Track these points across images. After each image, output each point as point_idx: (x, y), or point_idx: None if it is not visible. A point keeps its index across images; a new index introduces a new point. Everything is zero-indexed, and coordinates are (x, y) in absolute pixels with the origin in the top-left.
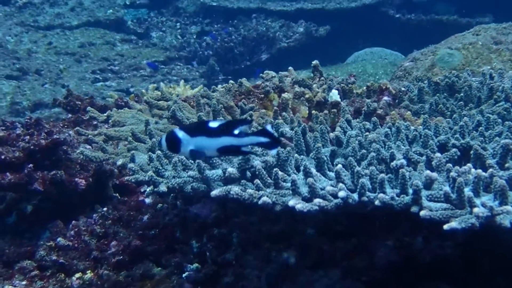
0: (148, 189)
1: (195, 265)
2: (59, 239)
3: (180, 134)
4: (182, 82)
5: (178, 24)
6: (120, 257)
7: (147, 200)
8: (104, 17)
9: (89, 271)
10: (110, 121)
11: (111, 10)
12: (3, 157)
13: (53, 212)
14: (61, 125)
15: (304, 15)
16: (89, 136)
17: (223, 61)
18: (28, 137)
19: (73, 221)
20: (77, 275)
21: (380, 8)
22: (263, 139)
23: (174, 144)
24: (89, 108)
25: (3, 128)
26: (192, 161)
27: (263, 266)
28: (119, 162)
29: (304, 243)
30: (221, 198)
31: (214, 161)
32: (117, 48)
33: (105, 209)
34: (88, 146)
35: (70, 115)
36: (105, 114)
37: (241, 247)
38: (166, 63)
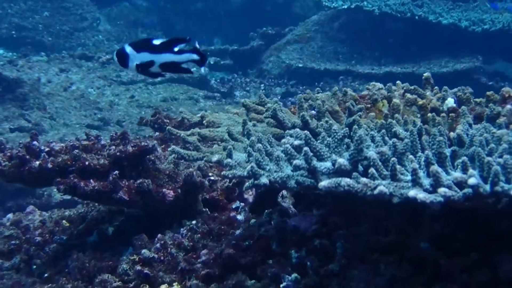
0: (247, 183)
1: (294, 275)
2: (144, 251)
3: (128, 49)
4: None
5: (263, 85)
6: (210, 269)
7: (239, 217)
8: (186, 75)
9: (176, 283)
10: (204, 121)
11: (194, 68)
12: (87, 163)
13: (138, 227)
14: (148, 141)
15: (393, 79)
16: (182, 135)
17: None
18: (114, 147)
19: (159, 235)
20: (163, 287)
21: (472, 75)
22: (195, 56)
23: (122, 58)
24: (181, 109)
25: (89, 139)
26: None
27: (370, 279)
28: (215, 158)
29: (417, 257)
30: (330, 190)
31: (322, 152)
32: (200, 104)
33: (194, 222)
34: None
35: (157, 133)
36: (198, 115)
37: (346, 258)
38: None
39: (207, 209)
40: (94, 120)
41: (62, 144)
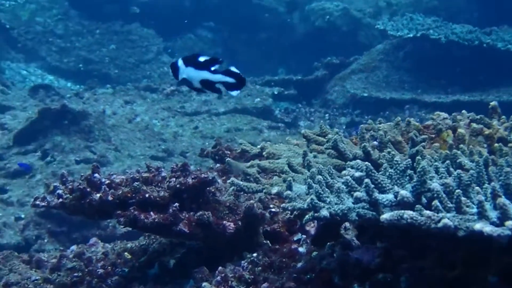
0: (307, 216)
1: None
2: (204, 284)
3: (180, 62)
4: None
5: (327, 115)
6: None
7: (301, 249)
8: (251, 105)
9: None
10: (264, 153)
11: (258, 99)
12: (147, 195)
13: (198, 260)
14: (209, 173)
15: (460, 107)
16: (241, 167)
17: None
18: (174, 179)
19: (220, 267)
20: None
21: None
22: (229, 79)
23: (174, 70)
24: (240, 140)
25: (148, 172)
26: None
27: None
28: (274, 190)
29: None
30: (393, 223)
31: (384, 184)
32: (264, 134)
33: (254, 254)
34: None
35: (218, 165)
36: (258, 147)
37: None
38: None
39: (268, 241)
40: (158, 151)
41: (122, 177)
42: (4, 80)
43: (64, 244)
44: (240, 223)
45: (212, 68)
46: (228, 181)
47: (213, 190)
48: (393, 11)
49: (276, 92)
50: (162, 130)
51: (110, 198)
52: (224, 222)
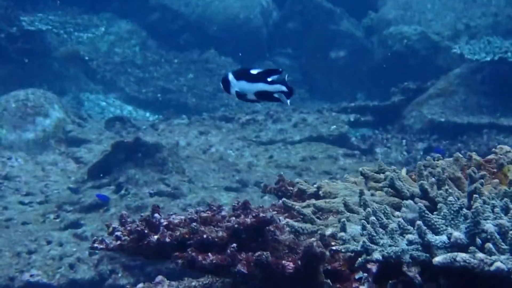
0: (359, 260)
1: None
2: None
3: (230, 77)
4: (404, 169)
5: (404, 140)
6: None
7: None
8: (327, 133)
9: None
10: (320, 192)
11: (334, 126)
12: (205, 236)
13: None
14: (270, 210)
15: None
16: (297, 207)
17: None
18: (233, 218)
19: None
20: None
21: None
22: (284, 88)
23: (225, 84)
24: (297, 179)
25: (209, 211)
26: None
27: None
28: (328, 232)
29: None
30: (446, 265)
31: (437, 225)
32: (340, 162)
33: None
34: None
35: (280, 201)
36: (315, 186)
37: None
38: None
39: (329, 280)
40: (232, 182)
41: (181, 217)
42: (81, 113)
43: (138, 278)
44: (299, 262)
45: (269, 79)
46: (283, 222)
47: (272, 229)
48: (472, 33)
49: (352, 119)
50: (236, 161)
51: (167, 239)
52: (283, 261)
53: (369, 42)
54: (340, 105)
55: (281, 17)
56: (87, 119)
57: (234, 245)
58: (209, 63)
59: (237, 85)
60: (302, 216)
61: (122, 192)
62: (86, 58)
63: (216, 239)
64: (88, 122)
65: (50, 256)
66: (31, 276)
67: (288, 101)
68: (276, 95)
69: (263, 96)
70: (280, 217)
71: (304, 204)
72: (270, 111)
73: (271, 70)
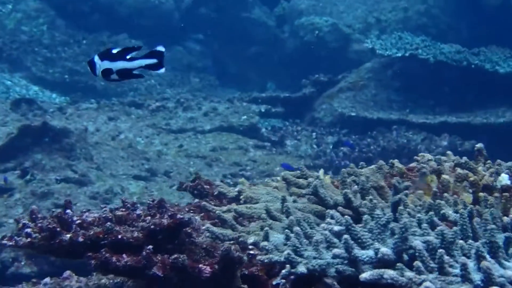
0: (283, 271)
1: None
2: None
3: (96, 58)
4: (321, 170)
5: (314, 133)
6: None
7: None
8: (238, 123)
9: None
10: (241, 197)
11: (245, 117)
12: (120, 236)
13: None
14: (187, 209)
15: (448, 128)
16: (217, 212)
17: None
18: (149, 217)
19: None
20: None
21: None
22: (149, 61)
23: (92, 66)
24: (217, 182)
25: (123, 209)
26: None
27: None
28: (251, 240)
29: None
30: (372, 282)
31: (364, 239)
32: (250, 153)
33: None
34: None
35: (196, 200)
36: (235, 189)
37: None
38: None
39: (246, 286)
40: (141, 170)
41: (95, 215)
42: None
43: (41, 266)
44: (216, 266)
45: (128, 57)
46: (203, 227)
47: (189, 230)
48: (382, 27)
49: (263, 110)
50: (146, 149)
51: (81, 239)
52: (200, 265)
53: (280, 31)
54: (251, 95)
55: (194, 2)
56: None
57: (150, 247)
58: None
59: (102, 65)
60: (221, 221)
61: (28, 177)
62: None
63: (131, 240)
64: None
65: None
66: None
67: (162, 71)
68: (136, 72)
69: (124, 74)
70: (197, 218)
71: (224, 208)
72: (181, 99)
73: (129, 48)
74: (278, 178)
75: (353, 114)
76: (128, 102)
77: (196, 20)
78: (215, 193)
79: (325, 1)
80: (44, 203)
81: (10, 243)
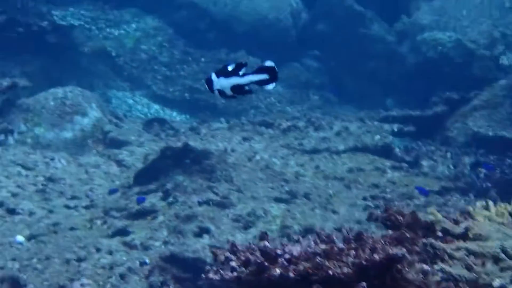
0: None
1: None
2: None
3: (213, 76)
4: None
5: (449, 153)
6: None
7: None
8: (371, 143)
9: None
10: (469, 233)
11: (378, 136)
12: (330, 272)
13: None
14: (383, 241)
15: None
16: (449, 250)
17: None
18: (353, 251)
19: None
20: None
21: None
22: (261, 76)
23: (209, 83)
24: (430, 209)
25: (322, 240)
26: None
27: None
28: (497, 284)
29: None
30: None
31: None
32: (388, 175)
33: None
34: None
35: (390, 231)
36: (462, 226)
37: None
38: (441, 193)
39: None
40: (281, 193)
41: (298, 248)
42: (117, 113)
43: None
44: None
45: (241, 73)
46: (436, 267)
47: (400, 267)
48: (508, 42)
49: (395, 129)
50: (283, 170)
51: (291, 274)
52: None
53: (400, 47)
54: (381, 114)
55: (311, 19)
56: (123, 119)
57: (364, 284)
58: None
59: (218, 83)
60: (451, 260)
61: (170, 199)
62: (113, 54)
63: (342, 276)
64: (125, 122)
65: (100, 265)
66: (81, 285)
67: (271, 87)
68: (247, 88)
69: (237, 90)
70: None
71: (453, 246)
72: (312, 118)
73: (240, 64)
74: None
75: (490, 133)
76: (259, 121)
77: (313, 37)
78: (438, 229)
79: (448, 16)
80: (189, 226)
81: (216, 277)
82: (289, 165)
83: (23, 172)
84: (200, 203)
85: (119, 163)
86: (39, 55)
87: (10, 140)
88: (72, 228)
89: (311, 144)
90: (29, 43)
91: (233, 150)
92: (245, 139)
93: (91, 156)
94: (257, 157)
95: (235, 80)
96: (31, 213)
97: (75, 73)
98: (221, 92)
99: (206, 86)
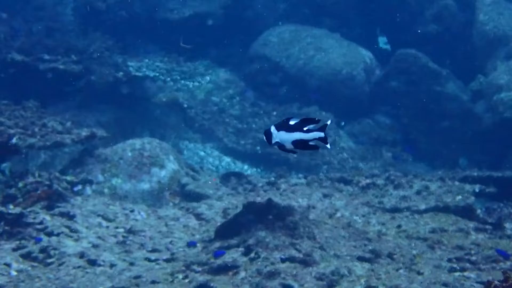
0: None
1: None
2: None
3: (272, 129)
4: None
5: None
6: None
7: None
8: (453, 203)
9: None
10: None
11: (460, 197)
12: None
13: None
14: None
15: None
16: None
17: None
18: None
19: None
20: None
21: None
22: (321, 134)
23: (268, 136)
24: None
25: None
26: None
27: None
28: None
29: None
30: None
31: None
32: (472, 237)
33: None
34: None
35: None
36: None
37: None
38: None
39: None
40: (365, 251)
41: None
42: (193, 165)
43: None
44: None
45: (305, 128)
46: None
47: None
48: None
49: (477, 190)
50: (365, 228)
51: None
52: None
53: (476, 106)
54: (460, 174)
55: (384, 75)
56: (199, 172)
57: None
58: (311, 116)
59: (278, 136)
60: None
61: (252, 255)
62: (185, 105)
63: None
64: (201, 175)
65: None
66: None
67: (328, 145)
68: (312, 143)
69: (299, 144)
70: None
71: None
72: (391, 176)
73: (307, 120)
74: None
75: None
76: (337, 178)
77: (386, 93)
78: None
79: None
80: (272, 283)
81: None
82: (371, 224)
83: (104, 223)
84: (282, 260)
85: (198, 216)
86: (113, 105)
87: (88, 190)
88: (153, 282)
89: (391, 202)
90: (104, 94)
91: (313, 207)
92: (325, 195)
93: (169, 209)
94: (338, 214)
95: (298, 135)
96: (112, 265)
97: (148, 124)
98: (281, 146)
99: (265, 138)
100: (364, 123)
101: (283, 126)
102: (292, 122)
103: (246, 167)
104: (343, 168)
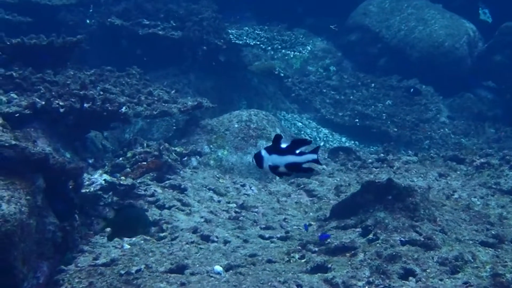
0: None
1: None
2: None
3: (263, 152)
4: None
5: None
6: None
7: None
8: None
9: None
10: None
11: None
12: None
13: None
14: None
15: None
16: None
17: None
18: None
19: None
20: None
21: None
22: (314, 156)
23: (258, 159)
24: None
25: None
26: None
27: None
28: None
29: None
30: None
31: None
32: None
33: None
34: None
35: None
36: None
37: None
38: None
39: None
40: (487, 236)
41: None
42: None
43: None
44: None
45: (297, 151)
46: None
47: None
48: None
49: None
50: (485, 211)
51: None
52: None
53: None
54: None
55: (487, 48)
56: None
57: None
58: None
59: (270, 159)
60: None
61: (370, 236)
62: (282, 74)
63: None
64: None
65: None
66: None
67: (323, 166)
68: (306, 165)
69: (293, 167)
70: None
71: None
72: (506, 156)
73: (299, 142)
74: None
75: None
76: (450, 156)
77: (489, 68)
78: None
79: None
80: (393, 267)
81: None
82: (490, 206)
83: (215, 197)
84: (402, 243)
85: (310, 193)
86: (211, 72)
87: (194, 161)
88: (269, 261)
89: (508, 184)
90: (204, 61)
91: (429, 187)
92: (441, 175)
93: (279, 184)
94: (456, 196)
95: (291, 159)
96: (225, 242)
97: (245, 93)
98: (274, 169)
99: (254, 162)
100: (465, 97)
101: (274, 149)
102: (283, 145)
103: (344, 139)
104: (446, 144)
